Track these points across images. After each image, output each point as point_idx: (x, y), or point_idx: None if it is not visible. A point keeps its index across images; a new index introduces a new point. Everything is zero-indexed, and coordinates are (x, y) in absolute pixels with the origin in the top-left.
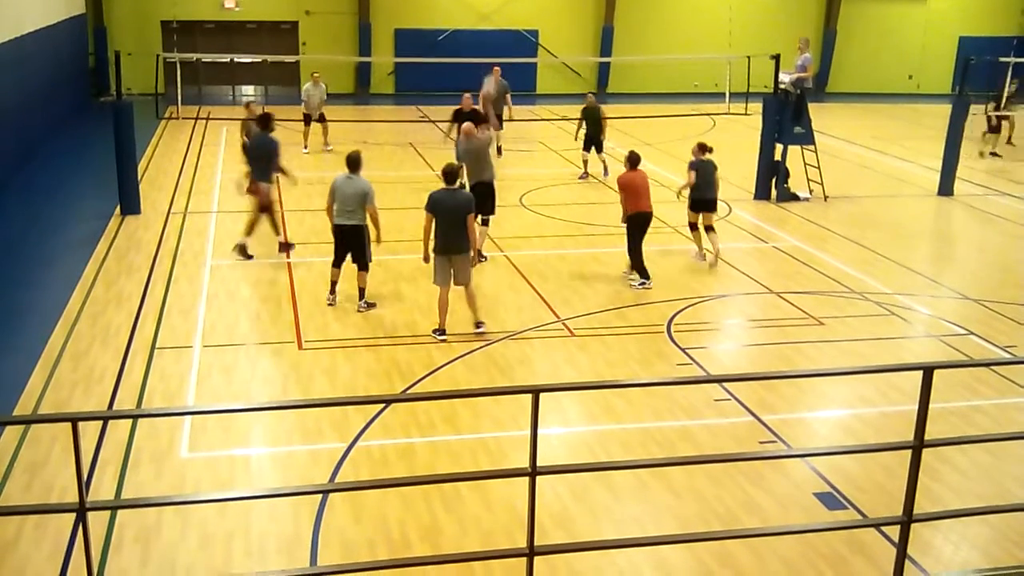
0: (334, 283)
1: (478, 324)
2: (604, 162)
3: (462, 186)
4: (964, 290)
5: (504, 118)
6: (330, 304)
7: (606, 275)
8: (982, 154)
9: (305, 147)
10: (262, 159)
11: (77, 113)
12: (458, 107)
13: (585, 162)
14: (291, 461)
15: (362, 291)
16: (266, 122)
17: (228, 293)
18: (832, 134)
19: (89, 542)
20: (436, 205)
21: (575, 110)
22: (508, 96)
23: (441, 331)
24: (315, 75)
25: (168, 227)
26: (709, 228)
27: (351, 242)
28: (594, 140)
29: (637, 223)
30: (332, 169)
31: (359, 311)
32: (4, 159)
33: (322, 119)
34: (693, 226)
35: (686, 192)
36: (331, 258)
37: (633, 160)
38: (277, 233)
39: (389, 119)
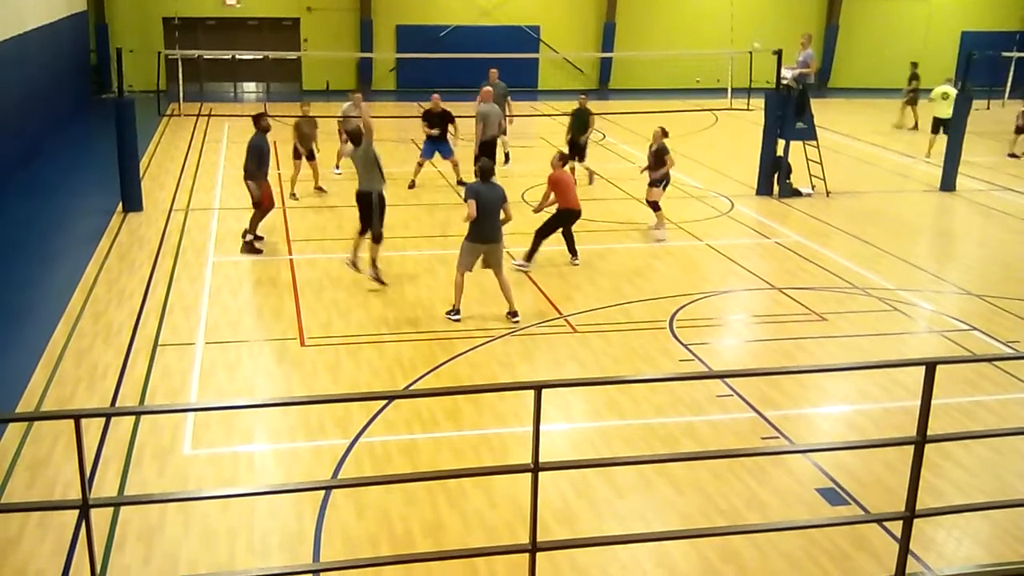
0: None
1: (513, 314)
2: (589, 170)
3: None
4: (967, 286)
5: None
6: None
7: (608, 271)
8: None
9: (337, 167)
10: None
11: (79, 110)
12: (428, 108)
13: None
14: (294, 457)
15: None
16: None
17: (230, 290)
18: (834, 129)
19: (92, 539)
20: (479, 195)
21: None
22: (508, 99)
23: (456, 311)
24: (357, 96)
25: (170, 224)
26: None
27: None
28: (576, 145)
29: (567, 218)
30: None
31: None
32: (6, 156)
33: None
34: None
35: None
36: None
37: (563, 159)
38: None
39: (391, 115)
